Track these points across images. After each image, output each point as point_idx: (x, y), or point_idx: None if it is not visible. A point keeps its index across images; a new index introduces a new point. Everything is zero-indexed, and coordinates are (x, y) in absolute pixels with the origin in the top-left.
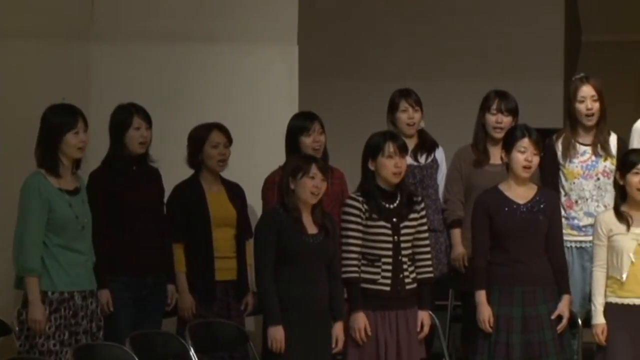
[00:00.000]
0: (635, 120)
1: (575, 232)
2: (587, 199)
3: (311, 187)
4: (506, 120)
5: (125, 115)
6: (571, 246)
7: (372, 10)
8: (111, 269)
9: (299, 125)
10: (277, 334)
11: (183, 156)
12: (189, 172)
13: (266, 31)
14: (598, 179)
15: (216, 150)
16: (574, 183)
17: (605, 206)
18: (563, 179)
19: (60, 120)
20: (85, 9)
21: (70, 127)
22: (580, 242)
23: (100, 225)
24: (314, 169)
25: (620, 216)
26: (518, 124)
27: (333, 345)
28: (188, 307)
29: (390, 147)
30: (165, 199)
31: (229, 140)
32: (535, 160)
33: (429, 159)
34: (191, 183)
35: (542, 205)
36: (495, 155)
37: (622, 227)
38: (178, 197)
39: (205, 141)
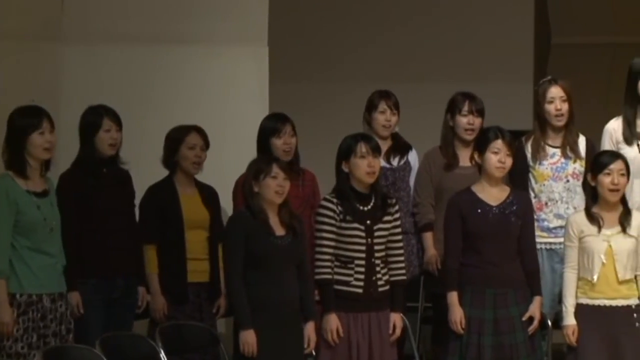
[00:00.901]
0: (603, 122)
1: (545, 234)
2: (556, 201)
3: (275, 186)
4: (477, 122)
5: (95, 117)
6: (541, 248)
7: (342, 12)
8: (81, 272)
9: (270, 127)
10: (249, 338)
11: (154, 158)
12: (159, 175)
13: (236, 33)
14: (567, 180)
15: (192, 152)
16: (543, 185)
17: (574, 208)
18: (533, 181)
19: (25, 121)
20: (55, 10)
21: (35, 127)
22: (550, 243)
23: (70, 227)
24: (275, 169)
25: (592, 218)
26: (491, 126)
27: (305, 346)
28: (160, 309)
29: (362, 148)
30: (136, 201)
31: (206, 144)
32: (509, 161)
33: (402, 162)
34: (165, 184)
35: (514, 207)
36: (465, 157)
37: (593, 229)
38: (152, 198)
39: (182, 142)
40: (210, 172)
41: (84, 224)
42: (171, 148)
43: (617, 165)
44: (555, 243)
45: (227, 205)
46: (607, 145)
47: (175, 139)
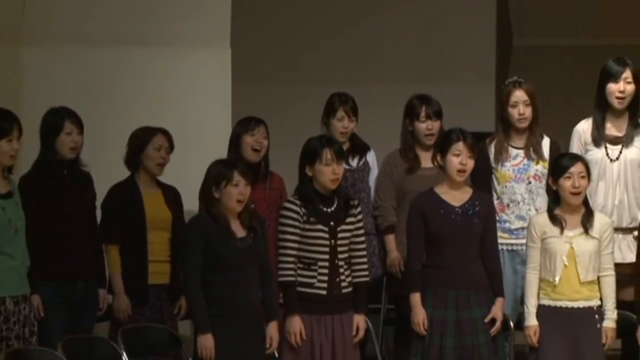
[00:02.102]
0: (565, 123)
1: (507, 235)
2: (518, 202)
3: (236, 195)
4: (435, 125)
5: (57, 120)
6: (503, 249)
7: (304, 14)
8: (42, 274)
9: (244, 126)
10: (207, 342)
11: (115, 160)
12: (121, 177)
13: (199, 35)
14: (530, 182)
15: (158, 154)
16: (505, 186)
17: (536, 209)
18: (495, 182)
19: None
20: (16, 12)
21: (4, 134)
22: (512, 245)
23: (30, 230)
24: (236, 176)
25: (554, 219)
26: (453, 127)
27: (267, 346)
28: (123, 309)
29: (327, 154)
30: (97, 203)
31: (171, 147)
32: (470, 163)
33: (361, 162)
34: (128, 184)
35: (477, 209)
36: (426, 158)
37: (555, 230)
38: (114, 198)
39: (149, 142)
40: (173, 173)
41: (44, 226)
42: (136, 147)
43: (577, 168)
44: (517, 244)
45: (190, 206)
46: (575, 146)
47: (142, 138)
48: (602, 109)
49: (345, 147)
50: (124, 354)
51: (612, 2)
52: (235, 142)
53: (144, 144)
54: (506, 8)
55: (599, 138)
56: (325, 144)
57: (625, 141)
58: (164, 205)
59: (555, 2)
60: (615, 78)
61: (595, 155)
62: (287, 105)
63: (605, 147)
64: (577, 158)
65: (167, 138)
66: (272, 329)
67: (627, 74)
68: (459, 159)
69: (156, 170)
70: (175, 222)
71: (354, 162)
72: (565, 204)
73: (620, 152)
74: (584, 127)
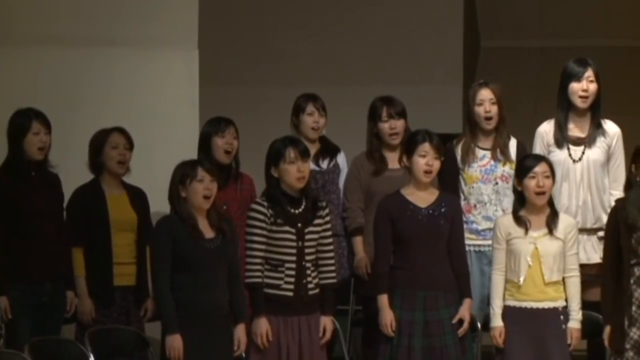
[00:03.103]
0: (532, 125)
1: (473, 236)
2: (485, 203)
3: (202, 190)
4: (399, 125)
5: (24, 120)
6: (470, 250)
7: (272, 15)
8: (10, 276)
9: (213, 128)
10: (175, 342)
11: (83, 162)
12: (88, 178)
13: (166, 36)
14: (496, 183)
15: (116, 151)
16: (472, 187)
17: (503, 210)
18: (462, 183)
19: None
20: None
21: None
22: (479, 246)
23: None
24: (200, 172)
25: (519, 220)
26: (419, 129)
27: (235, 348)
28: (87, 312)
29: (291, 153)
30: (65, 204)
31: (130, 143)
32: (436, 164)
33: (331, 164)
34: (91, 186)
35: (443, 210)
36: (393, 160)
37: (520, 231)
38: (78, 200)
39: (105, 143)
40: (140, 174)
41: (12, 228)
42: (95, 150)
43: (541, 168)
44: (484, 245)
45: (156, 207)
46: (538, 147)
47: (98, 140)
48: (564, 110)
49: (315, 149)
50: (91, 355)
51: (579, 4)
52: (205, 144)
53: (101, 146)
54: (474, 9)
55: (561, 139)
56: (289, 144)
57: (587, 142)
58: (129, 206)
59: (523, 4)
60: (578, 78)
61: (558, 156)
62: (254, 106)
63: (568, 148)
64: (541, 158)
65: (123, 135)
66: (240, 331)
67: (590, 73)
68: (426, 160)
69: (117, 168)
70: (141, 224)
71: (324, 164)
72: (530, 204)
73: (583, 153)
74: (546, 129)
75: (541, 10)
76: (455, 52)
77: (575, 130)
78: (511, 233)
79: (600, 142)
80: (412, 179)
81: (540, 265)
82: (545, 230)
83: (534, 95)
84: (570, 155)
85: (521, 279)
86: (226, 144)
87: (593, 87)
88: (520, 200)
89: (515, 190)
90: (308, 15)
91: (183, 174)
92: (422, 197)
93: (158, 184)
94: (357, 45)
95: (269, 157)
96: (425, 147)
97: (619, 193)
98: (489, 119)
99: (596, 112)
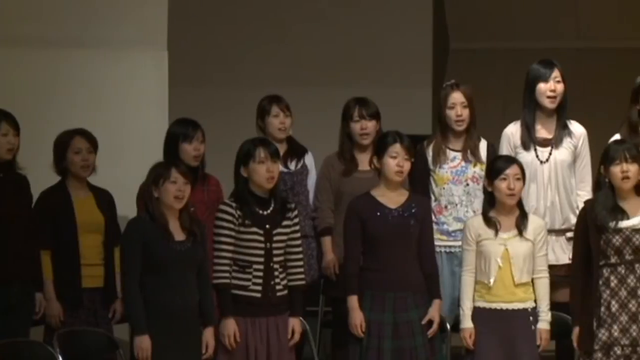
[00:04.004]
0: (501, 126)
1: (444, 237)
2: (456, 205)
3: (174, 191)
4: (370, 125)
5: None
6: (440, 251)
7: (242, 16)
8: None
9: (181, 132)
10: (143, 343)
11: (52, 164)
12: (57, 180)
13: (136, 37)
14: (467, 184)
15: (79, 156)
16: (443, 188)
17: (474, 211)
18: (433, 184)
19: None
20: None
21: None
22: (450, 247)
23: None
24: (174, 174)
25: (489, 222)
26: (389, 130)
27: (203, 351)
28: (55, 315)
29: (261, 153)
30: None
31: (93, 146)
32: (407, 165)
33: (299, 165)
34: (58, 189)
35: (413, 210)
36: (364, 161)
37: (490, 233)
38: (44, 203)
39: (67, 147)
40: (109, 176)
41: None
42: (58, 154)
43: (512, 170)
44: (454, 246)
45: (125, 209)
46: (505, 149)
47: (61, 144)
48: (531, 111)
49: (283, 149)
50: (60, 357)
51: (547, 6)
52: (171, 147)
53: (64, 150)
54: (442, 12)
55: (528, 141)
56: (259, 144)
57: (554, 143)
58: (95, 208)
59: (491, 6)
60: (545, 78)
61: (525, 158)
62: (223, 107)
63: (535, 150)
64: (513, 160)
65: (85, 138)
66: (209, 334)
67: (556, 73)
68: (396, 160)
69: (82, 172)
70: (108, 225)
71: (292, 165)
72: (500, 205)
73: (550, 154)
74: (513, 130)
75: (510, 12)
76: (424, 54)
77: (542, 131)
78: (481, 234)
79: (567, 142)
80: (382, 180)
81: (510, 266)
82: (515, 232)
83: (502, 96)
84: (537, 156)
85: (491, 280)
86: (194, 149)
87: (560, 87)
88: (490, 202)
89: (485, 192)
90: (277, 17)
91: (157, 174)
92: (392, 198)
93: (127, 185)
94: (327, 47)
95: (239, 157)
96: (396, 148)
97: (585, 194)
98: (460, 121)
99: (562, 113)
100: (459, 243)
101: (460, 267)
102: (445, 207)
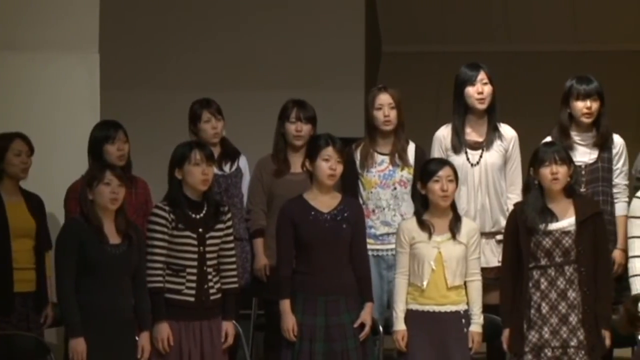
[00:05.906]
0: (434, 129)
1: (372, 241)
2: (384, 208)
3: (108, 193)
4: (305, 129)
5: None
6: (369, 254)
7: (175, 19)
8: None
9: (103, 134)
10: (78, 346)
11: None
12: None
13: (67, 39)
14: (395, 188)
15: (19, 159)
16: (371, 192)
17: (402, 215)
18: (361, 188)
19: None
20: None
21: None
22: (378, 250)
23: None
24: (108, 176)
25: (422, 224)
26: (322, 133)
27: (138, 356)
28: None
29: (197, 155)
30: None
31: (31, 150)
32: (339, 168)
33: (233, 168)
34: None
35: (346, 214)
36: (296, 163)
37: (424, 235)
38: None
39: (7, 149)
40: (39, 179)
41: None
42: None
43: (445, 172)
44: (382, 250)
45: (55, 212)
46: (436, 152)
47: (0, 146)
48: (461, 115)
49: (217, 152)
50: None
51: (480, 9)
52: (96, 150)
53: (3, 152)
54: (375, 15)
55: (459, 144)
56: (194, 146)
57: (485, 145)
58: (27, 213)
59: (424, 9)
60: (472, 81)
61: (456, 161)
62: (155, 110)
63: (466, 153)
64: (445, 162)
65: (25, 142)
66: (144, 339)
67: (483, 75)
68: (329, 163)
69: (21, 174)
70: (39, 230)
71: (226, 168)
72: (434, 208)
73: (481, 157)
74: (444, 133)
75: (442, 15)
76: (356, 57)
77: (472, 134)
78: (415, 237)
79: (497, 145)
80: (314, 184)
81: (444, 269)
82: (449, 235)
83: (435, 99)
84: (468, 159)
85: (424, 283)
86: (118, 150)
87: (488, 89)
88: (424, 204)
89: (418, 194)
90: (211, 19)
91: (91, 176)
92: (325, 202)
93: (57, 188)
94: (260, 49)
95: (174, 159)
96: (329, 151)
97: (515, 196)
98: (387, 122)
99: (493, 115)
100: (387, 247)
101: (389, 270)
102: (373, 211)
